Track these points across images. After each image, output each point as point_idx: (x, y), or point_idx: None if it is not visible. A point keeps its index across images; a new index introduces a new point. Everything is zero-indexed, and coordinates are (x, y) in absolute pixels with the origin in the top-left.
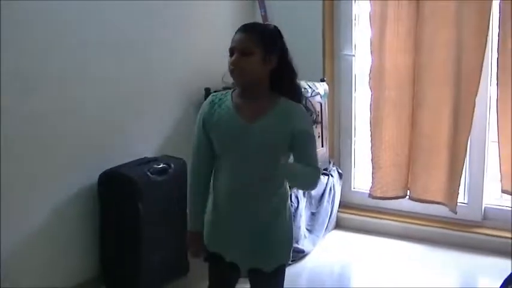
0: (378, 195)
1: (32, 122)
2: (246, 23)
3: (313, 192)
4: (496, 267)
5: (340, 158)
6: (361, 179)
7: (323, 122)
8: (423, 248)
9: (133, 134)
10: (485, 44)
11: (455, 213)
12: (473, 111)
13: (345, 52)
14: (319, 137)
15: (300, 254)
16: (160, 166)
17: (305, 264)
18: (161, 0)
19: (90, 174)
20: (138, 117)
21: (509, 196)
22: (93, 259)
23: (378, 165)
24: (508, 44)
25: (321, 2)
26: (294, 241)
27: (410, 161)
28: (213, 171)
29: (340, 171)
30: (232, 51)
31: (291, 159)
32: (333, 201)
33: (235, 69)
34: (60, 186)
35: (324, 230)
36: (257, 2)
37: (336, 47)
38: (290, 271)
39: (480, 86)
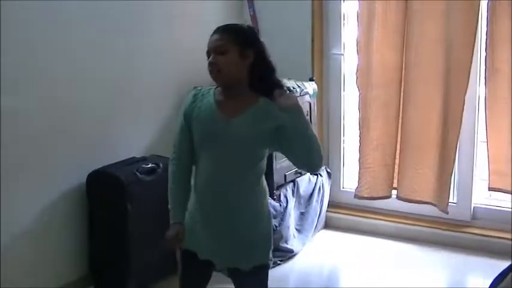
0: (364, 195)
1: (19, 122)
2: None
3: (302, 191)
4: (485, 267)
5: (330, 157)
6: (351, 179)
7: (312, 121)
8: (413, 248)
9: (121, 134)
10: (474, 42)
11: (447, 213)
12: (462, 110)
13: (334, 51)
14: None
15: (289, 254)
16: (149, 166)
17: (294, 264)
18: (149, 0)
19: (78, 174)
20: (126, 116)
21: (498, 196)
22: (81, 259)
23: (365, 165)
24: (496, 42)
25: (309, 1)
26: (273, 239)
27: (398, 161)
28: (194, 168)
29: (329, 170)
30: (209, 53)
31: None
32: (322, 200)
33: (213, 69)
34: (48, 186)
35: (313, 230)
36: (246, 1)
37: (325, 46)
38: (279, 271)
39: (469, 84)
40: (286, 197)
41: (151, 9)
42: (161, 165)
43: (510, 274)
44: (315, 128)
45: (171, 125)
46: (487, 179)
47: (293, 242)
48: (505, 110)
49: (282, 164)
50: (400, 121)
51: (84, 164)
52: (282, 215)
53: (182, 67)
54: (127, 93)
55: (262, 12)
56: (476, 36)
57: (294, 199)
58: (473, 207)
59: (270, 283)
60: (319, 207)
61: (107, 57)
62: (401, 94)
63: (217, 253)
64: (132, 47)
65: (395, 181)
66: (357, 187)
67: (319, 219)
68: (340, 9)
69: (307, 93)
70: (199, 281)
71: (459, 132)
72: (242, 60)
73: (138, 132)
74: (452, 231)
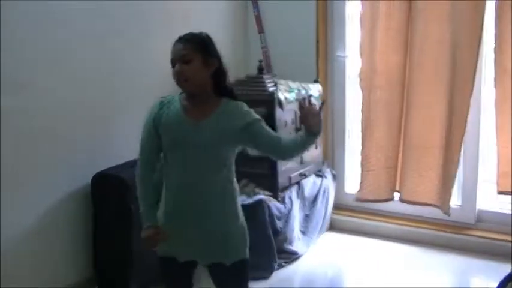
0: (366, 198)
1: (22, 123)
2: (183, 34)
3: (306, 193)
4: (489, 270)
5: (334, 159)
6: (355, 181)
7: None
8: (417, 250)
9: (126, 135)
10: (480, 43)
11: (449, 215)
12: (467, 112)
13: (338, 53)
14: None
15: (294, 256)
16: None
17: (298, 266)
18: (153, 0)
19: (83, 175)
20: (131, 118)
21: (504, 198)
22: (85, 260)
23: (367, 167)
24: (504, 43)
25: (314, 2)
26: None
27: (401, 163)
28: (164, 173)
29: (334, 172)
30: (173, 63)
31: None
32: (326, 202)
33: (180, 78)
34: (53, 187)
35: (317, 232)
36: (250, 1)
37: (330, 48)
38: (283, 273)
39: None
40: (290, 199)
41: (154, 9)
42: None
43: None
44: None
45: None
46: (495, 182)
47: (298, 244)
48: None
49: (287, 166)
50: (403, 123)
51: (89, 165)
52: (287, 217)
53: None
54: (131, 95)
55: (267, 13)
56: (482, 37)
57: (299, 201)
58: (478, 210)
59: (275, 285)
60: (324, 209)
61: (110, 58)
62: (405, 96)
63: (197, 252)
64: (136, 47)
65: (397, 184)
66: (359, 190)
67: (324, 221)
68: (345, 11)
69: (311, 95)
70: (184, 282)
71: (464, 134)
72: (206, 67)
73: None
74: (457, 234)
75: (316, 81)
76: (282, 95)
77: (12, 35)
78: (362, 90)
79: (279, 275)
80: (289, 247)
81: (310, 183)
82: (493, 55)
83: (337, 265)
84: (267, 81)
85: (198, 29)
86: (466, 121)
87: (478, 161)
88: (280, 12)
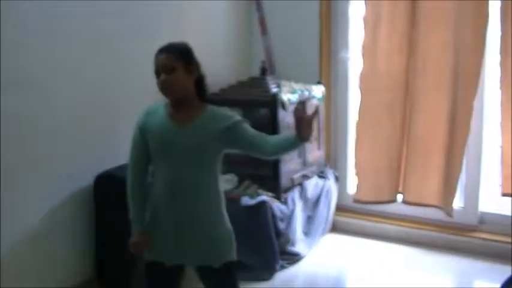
0: (368, 200)
1: (26, 123)
2: (166, 44)
3: (309, 195)
4: (492, 272)
5: (337, 161)
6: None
7: (320, 125)
8: (419, 252)
9: (129, 136)
10: (484, 45)
11: (452, 216)
12: (471, 114)
13: (342, 54)
14: (315, 139)
15: (296, 257)
16: None
17: (301, 267)
18: (157, 0)
19: (86, 176)
20: (135, 118)
21: (506, 201)
22: (88, 261)
23: (367, 169)
24: (509, 44)
25: (317, 3)
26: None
27: (402, 165)
28: (152, 180)
29: (336, 174)
30: (157, 73)
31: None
32: (329, 204)
33: (164, 87)
34: (56, 188)
35: (320, 233)
36: (254, 3)
37: (333, 49)
38: (286, 274)
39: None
40: (293, 200)
41: (159, 10)
42: None
43: None
44: (322, 132)
45: None
46: (499, 184)
47: (300, 245)
48: None
49: (290, 167)
50: (407, 125)
51: (92, 165)
52: (289, 218)
53: None
54: (134, 95)
55: (270, 14)
56: (486, 40)
57: (301, 202)
58: (481, 212)
59: (277, 286)
60: (326, 210)
61: (114, 58)
62: (408, 98)
63: (185, 255)
64: (140, 47)
65: (400, 185)
66: (360, 191)
67: (326, 222)
68: (348, 12)
69: (314, 96)
70: (172, 286)
71: (467, 137)
72: (189, 75)
73: None
74: (459, 236)
75: (319, 83)
76: (284, 96)
77: (12, 35)
78: (361, 92)
79: (281, 276)
80: (292, 248)
81: (312, 185)
82: (498, 57)
83: (339, 266)
84: (269, 82)
85: (203, 30)
86: (469, 123)
87: (480, 162)
88: (284, 13)
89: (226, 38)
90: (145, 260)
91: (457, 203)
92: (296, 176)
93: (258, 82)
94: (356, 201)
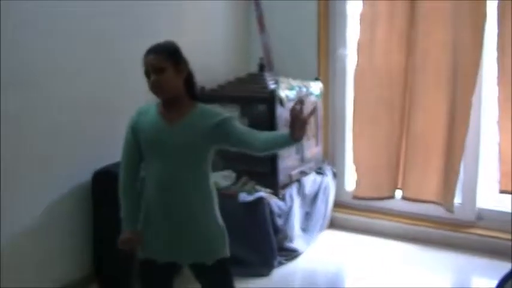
0: (367, 195)
1: (23, 120)
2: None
3: (307, 191)
4: (489, 268)
5: (335, 157)
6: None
7: (318, 121)
8: (417, 248)
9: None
10: (481, 43)
11: (452, 212)
12: (469, 111)
13: (340, 51)
14: (313, 136)
15: (294, 253)
16: None
17: (299, 263)
18: (157, 0)
19: (84, 172)
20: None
21: (504, 197)
22: (86, 257)
23: (365, 166)
24: (507, 43)
25: (316, 2)
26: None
27: (401, 162)
28: (143, 178)
29: (334, 170)
30: (147, 73)
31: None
32: (327, 200)
33: (155, 87)
34: (54, 184)
35: (318, 230)
36: (253, 1)
37: (331, 46)
38: (284, 270)
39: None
40: (291, 196)
41: (159, 10)
42: None
43: None
44: (320, 128)
45: None
46: (497, 180)
47: (298, 241)
48: None
49: (288, 163)
50: (406, 122)
51: (90, 162)
52: (287, 214)
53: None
54: (133, 92)
55: (269, 11)
56: (484, 38)
57: (299, 199)
58: (478, 208)
59: (275, 282)
60: (324, 206)
61: (114, 58)
62: (406, 95)
63: (177, 252)
64: (138, 46)
65: (399, 181)
66: (359, 188)
67: (324, 218)
68: (346, 10)
69: (312, 93)
70: (164, 285)
71: (466, 133)
72: (179, 74)
73: None
74: (457, 232)
75: (317, 79)
76: (282, 93)
77: (12, 35)
78: (355, 89)
79: (279, 272)
80: (290, 244)
81: (310, 181)
82: (495, 54)
83: (337, 263)
84: (267, 78)
85: (203, 29)
86: (468, 120)
87: (478, 159)
88: (282, 10)
89: (225, 36)
90: (139, 258)
91: (455, 199)
92: (294, 172)
93: (256, 78)
94: (355, 197)
